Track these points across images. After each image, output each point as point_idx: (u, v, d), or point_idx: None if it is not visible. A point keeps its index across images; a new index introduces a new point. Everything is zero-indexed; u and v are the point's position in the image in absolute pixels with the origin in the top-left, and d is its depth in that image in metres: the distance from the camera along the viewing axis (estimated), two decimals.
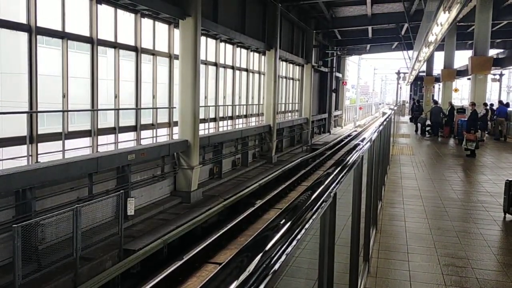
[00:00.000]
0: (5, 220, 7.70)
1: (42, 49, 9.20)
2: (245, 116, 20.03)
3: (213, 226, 12.06)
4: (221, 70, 17.26)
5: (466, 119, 16.92)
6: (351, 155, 2.88)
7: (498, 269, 4.66)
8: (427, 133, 20.92)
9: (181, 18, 12.70)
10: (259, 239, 1.21)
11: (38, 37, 8.90)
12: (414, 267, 4.63)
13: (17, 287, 6.60)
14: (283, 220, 1.36)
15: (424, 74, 35.14)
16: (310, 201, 1.64)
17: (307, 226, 1.48)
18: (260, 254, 1.09)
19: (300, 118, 27.71)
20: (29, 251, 7.09)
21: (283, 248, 1.19)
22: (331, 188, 1.94)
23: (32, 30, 8.71)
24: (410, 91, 44.74)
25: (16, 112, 9.04)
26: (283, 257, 1.18)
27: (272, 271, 1.08)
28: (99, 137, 10.59)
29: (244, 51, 19.43)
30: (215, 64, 16.68)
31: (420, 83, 39.80)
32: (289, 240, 1.25)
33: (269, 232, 1.25)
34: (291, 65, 26.43)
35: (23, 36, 8.73)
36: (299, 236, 1.36)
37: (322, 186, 1.89)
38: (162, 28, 13.26)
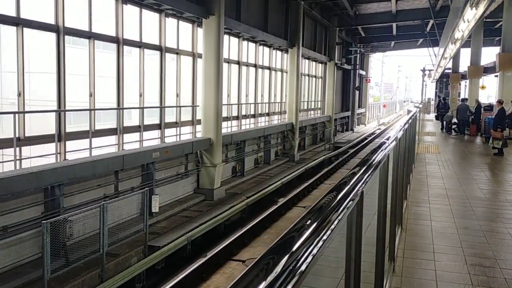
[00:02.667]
0: (34, 216, 7.92)
1: (70, 48, 9.40)
2: (268, 114, 20.04)
3: (236, 224, 12.12)
4: (244, 68, 17.30)
5: (493, 116, 16.52)
6: (376, 153, 2.86)
7: None
8: (453, 131, 20.53)
9: (205, 17, 12.79)
10: (285, 241, 1.22)
11: (66, 37, 9.09)
12: (441, 266, 4.57)
13: (46, 281, 6.77)
14: (309, 221, 1.37)
15: (450, 71, 34.44)
16: (335, 201, 1.65)
17: (332, 226, 1.48)
18: (287, 256, 1.10)
19: (323, 116, 27.56)
20: (58, 246, 7.26)
21: (309, 250, 1.20)
22: (357, 188, 1.94)
23: (60, 31, 8.91)
24: (436, 88, 43.89)
25: (45, 111, 9.26)
26: (310, 258, 1.19)
27: (298, 272, 1.09)
28: (124, 135, 10.76)
29: (266, 49, 19.43)
30: (238, 63, 16.73)
31: (446, 80, 39.00)
32: (315, 242, 1.26)
33: (295, 233, 1.26)
34: (313, 62, 26.29)
35: (51, 36, 8.94)
36: (325, 237, 1.36)
37: (348, 186, 1.88)
38: (185, 27, 13.37)
